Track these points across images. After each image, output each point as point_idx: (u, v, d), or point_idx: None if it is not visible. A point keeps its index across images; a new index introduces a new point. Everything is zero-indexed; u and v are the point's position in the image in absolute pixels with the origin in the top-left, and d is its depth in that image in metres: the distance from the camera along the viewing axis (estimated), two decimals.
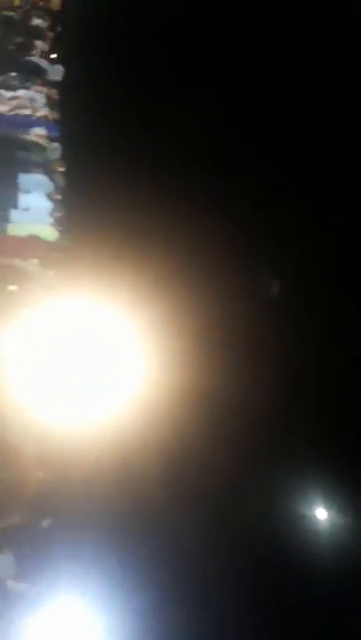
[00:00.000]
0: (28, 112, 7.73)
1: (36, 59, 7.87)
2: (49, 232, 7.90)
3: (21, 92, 7.80)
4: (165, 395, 7.63)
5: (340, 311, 8.39)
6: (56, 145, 7.89)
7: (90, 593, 7.03)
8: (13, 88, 7.76)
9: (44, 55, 7.82)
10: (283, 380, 8.18)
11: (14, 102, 7.69)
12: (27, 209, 7.85)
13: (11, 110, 7.69)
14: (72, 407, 7.35)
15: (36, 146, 7.77)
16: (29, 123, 7.81)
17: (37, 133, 7.82)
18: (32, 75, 7.73)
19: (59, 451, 7.19)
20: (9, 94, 7.69)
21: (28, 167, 7.77)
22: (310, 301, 8.40)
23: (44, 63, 7.90)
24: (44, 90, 7.89)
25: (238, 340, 8.15)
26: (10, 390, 7.34)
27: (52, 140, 7.90)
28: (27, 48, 7.73)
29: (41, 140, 7.81)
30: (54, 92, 7.92)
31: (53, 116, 7.93)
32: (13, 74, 7.63)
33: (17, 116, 7.73)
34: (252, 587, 7.84)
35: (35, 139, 7.81)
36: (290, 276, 8.48)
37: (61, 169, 7.88)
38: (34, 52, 7.74)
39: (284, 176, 8.41)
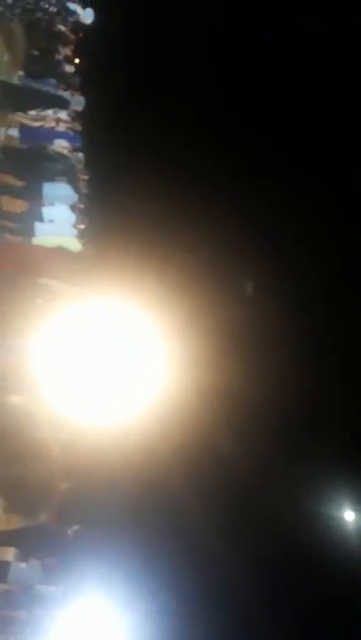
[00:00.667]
0: (52, 124, 7.52)
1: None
2: (73, 243, 7.83)
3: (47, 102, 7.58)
4: (191, 399, 7.76)
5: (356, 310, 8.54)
6: (79, 155, 7.72)
7: (115, 593, 7.29)
8: (38, 97, 7.54)
9: (68, 60, 7.54)
10: (306, 380, 8.38)
11: (39, 116, 7.47)
12: (51, 221, 7.74)
13: (35, 123, 7.47)
14: (100, 413, 7.49)
15: (59, 156, 7.60)
16: (53, 134, 7.62)
17: (61, 145, 7.63)
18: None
19: (86, 456, 7.32)
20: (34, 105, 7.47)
21: (52, 178, 7.62)
22: (328, 303, 8.52)
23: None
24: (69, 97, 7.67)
25: (261, 341, 8.31)
26: (40, 398, 7.41)
27: (75, 150, 7.73)
28: (50, 53, 7.45)
29: (64, 151, 7.64)
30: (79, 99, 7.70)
31: (76, 127, 7.73)
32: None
33: (41, 128, 7.53)
34: (275, 585, 8.14)
35: (58, 149, 7.64)
36: (311, 280, 8.52)
37: (85, 178, 7.75)
38: (57, 56, 7.47)
39: (307, 182, 8.36)
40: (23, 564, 7.20)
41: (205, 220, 8.03)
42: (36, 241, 7.76)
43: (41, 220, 7.76)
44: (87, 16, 7.46)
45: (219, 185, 8.14)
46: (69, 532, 7.38)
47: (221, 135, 8.12)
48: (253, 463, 8.20)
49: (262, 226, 8.36)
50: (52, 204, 7.78)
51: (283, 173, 8.23)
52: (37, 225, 7.76)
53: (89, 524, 7.44)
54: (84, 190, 7.78)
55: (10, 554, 7.35)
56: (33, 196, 7.63)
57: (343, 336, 8.40)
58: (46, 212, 7.78)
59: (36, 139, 7.54)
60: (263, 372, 8.10)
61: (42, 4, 7.28)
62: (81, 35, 7.61)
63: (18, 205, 7.66)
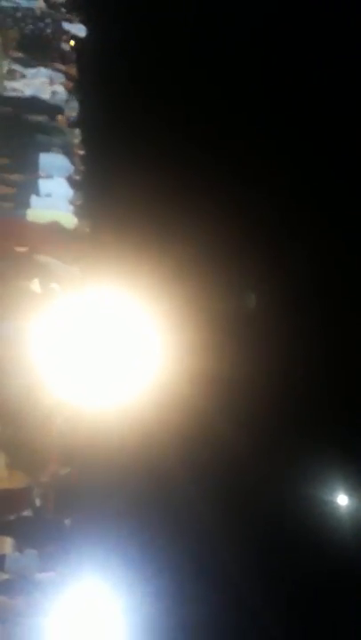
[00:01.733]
0: (47, 95, 7.30)
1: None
2: (69, 219, 7.61)
3: (42, 70, 7.36)
4: (189, 385, 7.61)
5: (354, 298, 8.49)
6: (76, 127, 7.51)
7: (113, 577, 7.04)
8: (34, 65, 7.32)
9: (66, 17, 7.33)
10: (303, 366, 8.26)
11: (34, 82, 7.25)
12: (48, 195, 7.52)
13: (29, 91, 7.25)
14: (98, 398, 7.23)
15: (56, 129, 7.39)
16: (49, 105, 7.40)
17: (57, 116, 7.42)
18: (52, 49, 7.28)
19: (84, 441, 7.14)
20: (29, 72, 7.24)
21: (48, 151, 7.40)
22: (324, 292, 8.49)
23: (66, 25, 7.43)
24: (64, 68, 7.46)
25: (259, 327, 8.19)
26: (36, 383, 7.20)
27: (72, 122, 7.52)
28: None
29: (61, 123, 7.43)
30: (74, 71, 7.50)
31: (73, 96, 7.52)
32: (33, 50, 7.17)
33: (36, 98, 7.31)
34: (273, 568, 7.98)
35: (55, 121, 7.42)
36: (307, 268, 8.41)
37: (82, 152, 7.53)
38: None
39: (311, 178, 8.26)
40: (19, 554, 6.95)
41: (205, 207, 7.85)
42: (31, 214, 7.53)
43: (37, 193, 7.54)
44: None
45: (220, 173, 7.97)
46: (66, 521, 7.13)
47: (224, 122, 7.97)
48: (251, 448, 8.03)
49: (262, 217, 8.24)
50: (48, 176, 7.56)
51: (284, 165, 8.11)
52: (33, 198, 7.55)
53: (86, 510, 7.22)
54: (81, 166, 7.56)
55: (7, 544, 7.08)
56: (28, 167, 7.41)
57: (342, 322, 8.29)
58: (43, 184, 7.56)
59: (31, 109, 7.32)
60: (261, 359, 7.93)
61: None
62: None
63: (13, 178, 7.41)
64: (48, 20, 7.44)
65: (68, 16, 7.48)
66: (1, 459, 6.80)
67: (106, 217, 7.52)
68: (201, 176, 7.90)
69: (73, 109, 7.49)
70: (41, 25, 7.47)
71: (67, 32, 7.47)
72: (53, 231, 7.48)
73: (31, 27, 7.39)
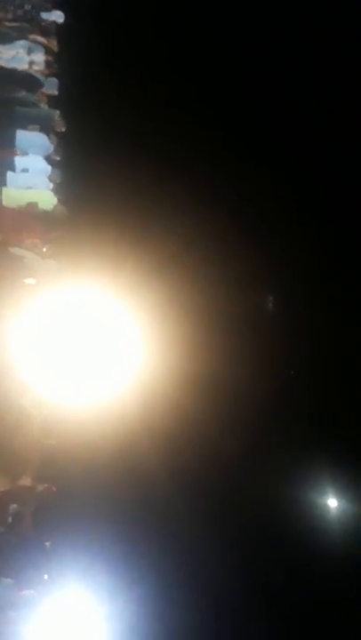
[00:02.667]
0: (25, 67, 7.07)
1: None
2: (48, 199, 7.34)
3: (20, 43, 7.13)
4: (174, 384, 7.37)
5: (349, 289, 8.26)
6: (55, 103, 7.25)
7: (97, 584, 6.85)
8: (10, 39, 7.09)
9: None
10: (290, 364, 8.02)
11: (11, 54, 7.02)
12: (25, 170, 7.27)
13: (7, 64, 7.02)
14: (77, 398, 7.04)
15: (34, 104, 7.14)
16: (27, 79, 7.16)
17: (35, 90, 7.18)
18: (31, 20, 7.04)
19: (64, 443, 6.90)
20: (6, 46, 7.02)
21: (25, 126, 7.15)
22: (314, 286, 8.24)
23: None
24: (44, 40, 7.22)
25: (247, 323, 7.94)
26: (13, 382, 6.93)
27: (50, 97, 7.27)
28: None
29: (39, 98, 7.18)
30: (54, 44, 7.26)
31: (53, 71, 7.27)
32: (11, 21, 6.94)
33: (14, 70, 7.08)
34: (256, 574, 7.71)
35: (33, 96, 7.18)
36: (301, 261, 8.16)
37: (61, 129, 7.27)
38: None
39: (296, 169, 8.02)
40: None
41: (194, 192, 7.63)
42: (7, 192, 7.27)
43: (13, 169, 7.29)
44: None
45: (212, 156, 7.73)
46: (47, 543, 6.82)
47: (211, 101, 7.75)
48: (240, 451, 7.74)
49: (255, 205, 8.03)
50: (25, 153, 7.32)
51: (279, 151, 7.88)
52: (9, 175, 7.29)
53: (67, 518, 6.96)
54: (60, 143, 7.29)
55: None
56: (3, 143, 7.16)
57: (336, 318, 8.03)
58: (19, 160, 7.30)
59: (7, 82, 7.08)
60: (250, 357, 7.66)
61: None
62: None
63: None
64: None
65: None
66: None
67: (86, 200, 7.25)
68: (192, 159, 7.63)
69: (53, 85, 7.24)
70: None
71: (46, 6, 7.23)
72: (30, 217, 7.24)
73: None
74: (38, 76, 7.17)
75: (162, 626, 7.27)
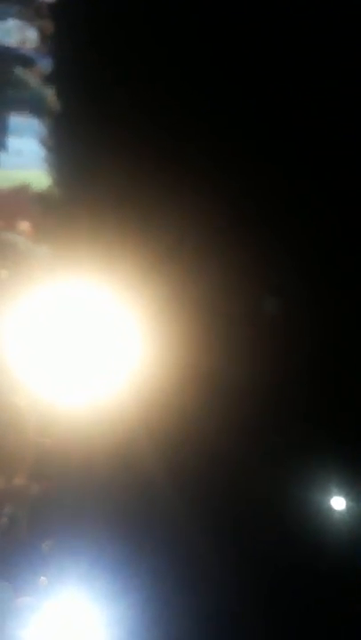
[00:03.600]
0: (15, 43, 6.86)
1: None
2: (42, 179, 7.21)
3: (12, 21, 6.92)
4: (175, 382, 6.82)
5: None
6: (49, 82, 6.99)
7: (96, 589, 6.74)
8: (2, 17, 6.90)
9: None
10: (293, 361, 7.13)
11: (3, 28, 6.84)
12: (18, 152, 7.19)
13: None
14: (72, 396, 6.81)
15: (25, 85, 6.95)
16: (18, 56, 6.97)
17: (28, 68, 6.97)
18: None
19: (59, 442, 6.85)
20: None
21: (17, 109, 7.01)
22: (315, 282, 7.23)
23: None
24: (37, 20, 6.94)
25: (247, 319, 6.98)
26: (12, 362, 6.92)
27: (44, 75, 7.01)
28: None
29: (32, 79, 6.97)
30: (48, 23, 6.93)
31: (46, 47, 6.98)
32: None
33: (3, 47, 6.91)
34: (259, 576, 7.18)
35: (25, 74, 6.98)
36: (302, 256, 7.42)
37: (55, 111, 7.01)
38: None
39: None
40: None
41: (198, 182, 7.03)
42: (0, 174, 7.26)
43: (6, 151, 7.23)
44: None
45: (218, 144, 7.11)
46: (44, 546, 6.97)
47: (217, 87, 7.06)
48: (241, 448, 7.37)
49: (253, 201, 7.07)
50: (19, 136, 7.21)
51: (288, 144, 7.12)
52: (2, 156, 7.26)
53: (63, 522, 6.99)
54: (55, 126, 7.06)
55: None
56: None
57: (336, 314, 7.24)
58: (12, 143, 7.23)
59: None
60: (249, 353, 7.04)
61: None
62: None
63: None
64: None
65: None
66: None
67: (82, 183, 7.01)
68: (193, 146, 7.06)
69: (46, 65, 6.97)
70: None
71: None
72: (22, 200, 7.17)
73: None
74: (31, 54, 6.95)
75: (163, 631, 7.19)
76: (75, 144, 7.10)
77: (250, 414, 8.11)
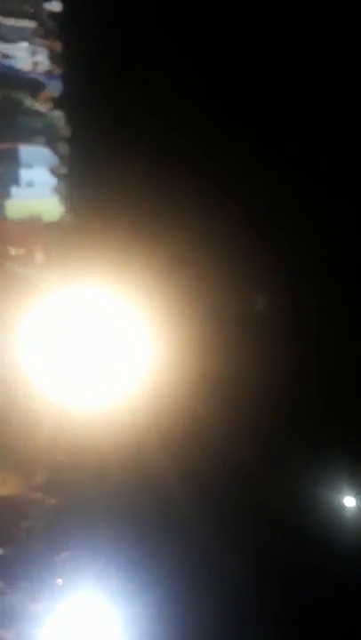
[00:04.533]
0: (27, 67, 6.49)
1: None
2: (54, 209, 6.87)
3: (22, 44, 6.55)
4: (183, 384, 7.04)
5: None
6: (59, 111, 6.62)
7: (110, 589, 6.87)
8: (12, 40, 6.52)
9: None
10: (300, 364, 7.46)
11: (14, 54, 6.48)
12: (30, 184, 6.83)
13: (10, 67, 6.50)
14: (87, 401, 6.92)
15: (36, 112, 6.57)
16: (29, 81, 6.59)
17: (38, 94, 6.59)
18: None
19: (74, 446, 6.87)
20: (8, 44, 6.49)
21: (28, 139, 6.65)
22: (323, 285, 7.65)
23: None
24: (47, 43, 6.55)
25: (257, 324, 7.47)
26: (22, 385, 6.87)
27: (55, 101, 6.63)
28: None
29: (43, 103, 6.58)
30: (57, 45, 6.55)
31: (56, 71, 6.60)
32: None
33: (13, 69, 6.54)
34: (271, 578, 7.51)
35: (35, 101, 6.60)
36: (308, 261, 7.57)
37: (66, 136, 6.64)
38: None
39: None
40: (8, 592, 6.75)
41: (202, 198, 7.20)
42: (12, 205, 6.90)
43: (17, 183, 6.86)
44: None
45: (220, 162, 7.25)
46: (58, 558, 6.78)
47: (222, 108, 7.23)
48: (249, 450, 7.47)
49: (259, 206, 7.50)
50: (29, 167, 6.83)
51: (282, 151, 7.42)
52: (14, 189, 6.90)
53: (78, 526, 6.88)
54: (66, 152, 6.67)
55: None
56: (7, 157, 6.73)
57: (343, 317, 7.73)
58: (24, 174, 6.85)
59: (8, 82, 6.54)
60: (258, 357, 7.37)
61: None
62: None
63: None
64: None
65: None
66: None
67: (93, 209, 6.70)
68: (199, 163, 7.14)
69: (56, 88, 6.57)
70: None
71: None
72: (34, 229, 6.84)
73: None
74: (41, 78, 6.55)
75: (177, 632, 7.12)
76: (86, 170, 6.78)
77: (261, 416, 8.01)
